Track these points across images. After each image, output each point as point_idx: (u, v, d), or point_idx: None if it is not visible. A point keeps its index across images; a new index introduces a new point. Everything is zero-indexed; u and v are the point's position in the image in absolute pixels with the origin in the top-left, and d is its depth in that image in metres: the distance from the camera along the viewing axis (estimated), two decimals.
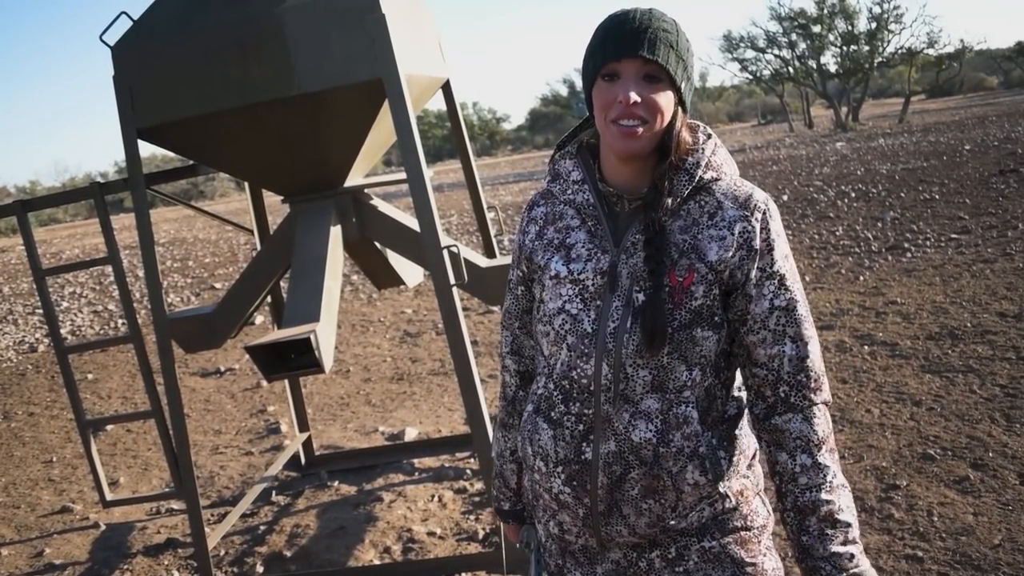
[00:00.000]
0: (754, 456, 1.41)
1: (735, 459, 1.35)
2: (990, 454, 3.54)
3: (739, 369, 1.37)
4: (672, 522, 1.32)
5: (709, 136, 1.36)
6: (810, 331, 1.31)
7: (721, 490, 1.33)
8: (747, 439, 1.39)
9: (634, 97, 1.23)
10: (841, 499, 1.28)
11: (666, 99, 1.26)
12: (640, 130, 1.25)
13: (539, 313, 1.41)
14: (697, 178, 1.30)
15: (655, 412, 1.29)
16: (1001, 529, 2.97)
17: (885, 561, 2.89)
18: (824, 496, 1.27)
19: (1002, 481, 3.30)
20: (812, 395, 1.30)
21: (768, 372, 1.30)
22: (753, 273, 1.28)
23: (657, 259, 1.26)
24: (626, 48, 1.23)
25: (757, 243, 1.28)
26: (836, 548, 1.25)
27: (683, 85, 1.28)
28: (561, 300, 1.34)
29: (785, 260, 1.31)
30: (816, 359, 1.30)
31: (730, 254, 1.27)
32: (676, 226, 1.30)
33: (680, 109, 1.30)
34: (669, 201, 1.29)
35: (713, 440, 1.32)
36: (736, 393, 1.39)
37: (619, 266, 1.30)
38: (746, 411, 1.39)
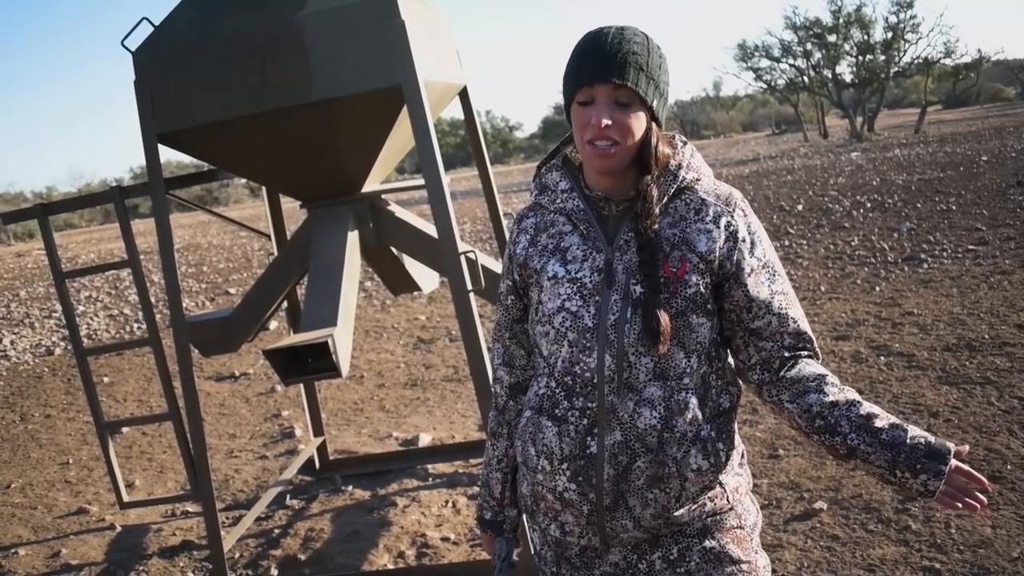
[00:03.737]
0: (743, 456, 1.50)
1: (731, 454, 1.43)
2: (1008, 467, 3.51)
3: (739, 352, 1.44)
4: (676, 513, 1.38)
5: (685, 143, 1.46)
6: (799, 307, 1.44)
7: (721, 482, 1.41)
8: (738, 437, 1.47)
9: (605, 121, 1.32)
10: (876, 407, 1.37)
11: (637, 120, 1.34)
12: (613, 150, 1.34)
13: (537, 315, 1.46)
14: (680, 178, 1.40)
15: (658, 399, 1.36)
16: (1019, 542, 2.94)
17: (902, 573, 2.87)
18: (868, 406, 1.35)
19: (1020, 494, 3.27)
20: (814, 349, 1.44)
21: (775, 344, 1.41)
22: (745, 263, 1.38)
23: (651, 251, 1.35)
24: (597, 74, 1.32)
25: (742, 235, 1.38)
26: (915, 432, 1.32)
27: (655, 103, 1.36)
28: (560, 299, 1.40)
29: (771, 249, 1.43)
30: (808, 327, 1.44)
31: (718, 245, 1.37)
32: (665, 222, 1.38)
33: (655, 124, 1.38)
34: (656, 210, 1.37)
35: (712, 432, 1.39)
36: (728, 387, 1.46)
37: (614, 263, 1.38)
38: (736, 406, 1.47)
